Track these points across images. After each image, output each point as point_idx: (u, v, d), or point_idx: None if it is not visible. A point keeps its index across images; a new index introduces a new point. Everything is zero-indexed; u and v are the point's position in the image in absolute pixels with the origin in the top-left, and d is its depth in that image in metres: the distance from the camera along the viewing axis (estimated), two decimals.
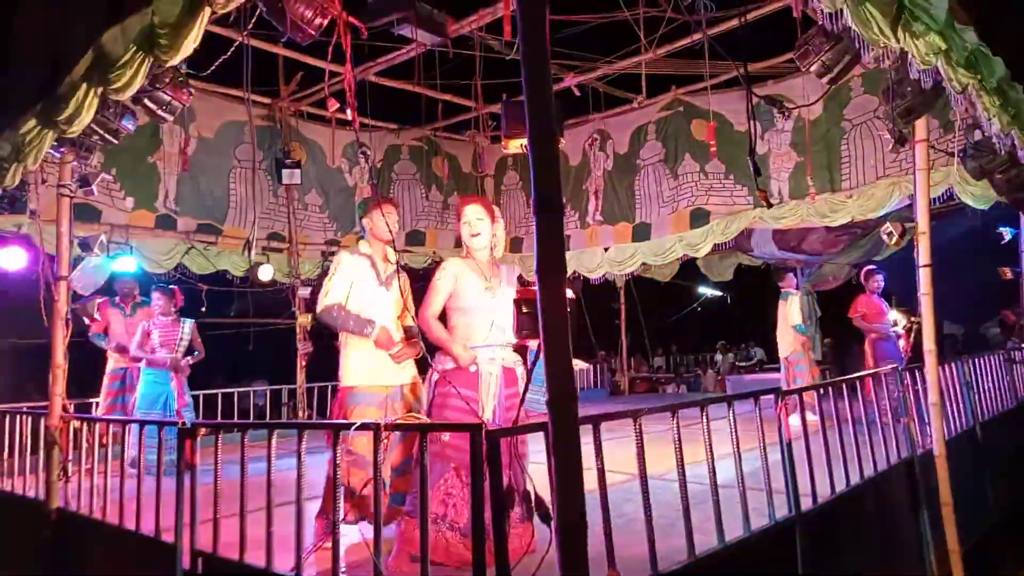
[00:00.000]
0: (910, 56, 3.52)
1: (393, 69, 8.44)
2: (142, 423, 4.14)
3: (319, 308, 3.68)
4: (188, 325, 6.41)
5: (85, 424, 4.38)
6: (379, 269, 3.76)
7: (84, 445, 4.25)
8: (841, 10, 3.31)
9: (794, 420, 4.01)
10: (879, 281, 7.74)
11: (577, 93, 9.42)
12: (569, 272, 10.55)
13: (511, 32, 5.15)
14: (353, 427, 2.66)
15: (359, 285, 3.68)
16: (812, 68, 3.81)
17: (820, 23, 3.58)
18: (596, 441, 2.64)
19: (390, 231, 3.62)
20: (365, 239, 3.83)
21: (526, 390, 2.85)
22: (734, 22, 7.03)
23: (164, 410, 6.17)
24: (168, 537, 3.35)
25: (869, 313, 7.57)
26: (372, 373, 3.61)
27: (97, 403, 6.77)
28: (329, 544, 2.60)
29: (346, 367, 3.66)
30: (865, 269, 7.93)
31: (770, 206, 6.71)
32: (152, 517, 3.48)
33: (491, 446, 2.32)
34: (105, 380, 6.64)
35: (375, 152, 10.07)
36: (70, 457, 4.35)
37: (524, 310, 2.48)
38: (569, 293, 2.35)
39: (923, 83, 3.64)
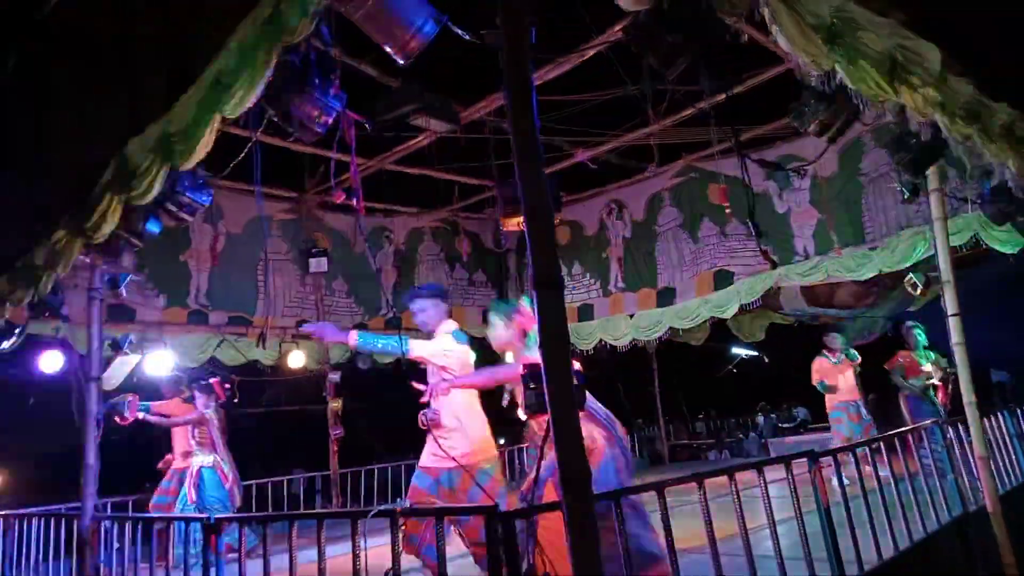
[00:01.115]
0: (908, 109, 3.55)
1: (411, 156, 8.73)
2: (170, 519, 4.14)
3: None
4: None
5: (116, 524, 4.39)
6: None
7: (115, 545, 4.25)
8: (834, 70, 3.38)
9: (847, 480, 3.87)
10: (917, 336, 7.51)
11: (591, 166, 9.61)
12: (595, 341, 10.60)
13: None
14: (371, 513, 2.63)
15: None
16: (810, 128, 3.85)
17: (811, 84, 3.63)
18: (617, 518, 2.57)
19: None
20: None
21: (538, 469, 2.80)
22: (736, 89, 7.17)
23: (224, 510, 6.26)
24: None
25: (910, 369, 7.33)
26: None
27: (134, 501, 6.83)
28: None
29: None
30: (906, 325, 7.71)
31: (774, 265, 6.69)
32: None
33: (507, 529, 2.27)
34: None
35: (399, 236, 10.31)
36: (101, 559, 4.35)
37: (531, 385, 2.47)
38: (576, 365, 2.35)
39: (923, 135, 3.65)
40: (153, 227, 4.20)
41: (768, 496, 3.17)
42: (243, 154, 3.98)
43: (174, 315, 8.06)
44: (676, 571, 2.64)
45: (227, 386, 6.73)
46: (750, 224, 4.36)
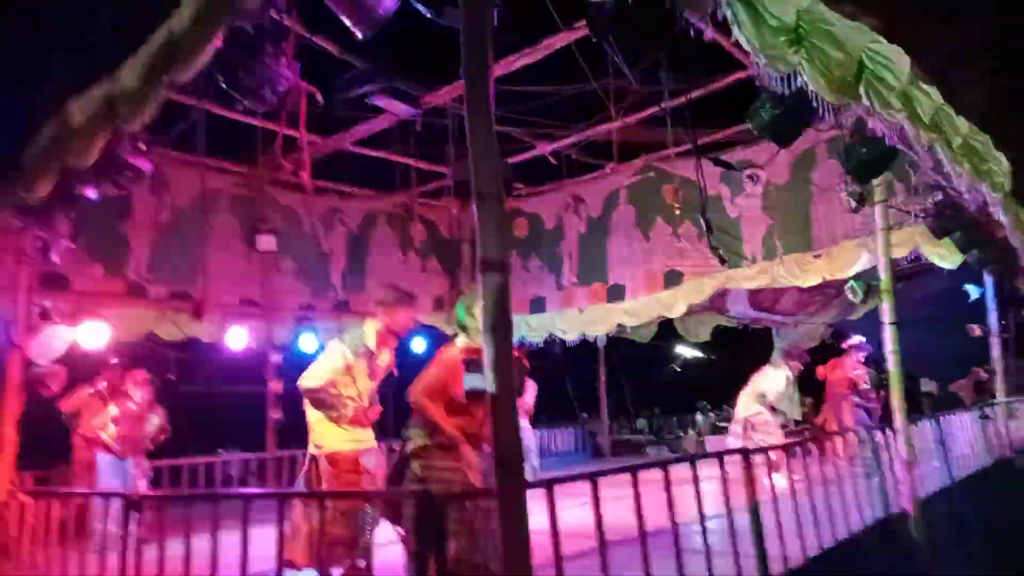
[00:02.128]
0: (874, 113, 3.62)
1: (371, 138, 8.59)
2: (88, 495, 3.99)
3: (304, 386, 4.08)
4: (157, 419, 6.36)
5: (34, 499, 4.21)
6: (374, 363, 4.21)
7: (31, 521, 4.07)
8: (794, 73, 3.41)
9: (779, 479, 3.96)
10: (863, 354, 7.72)
11: (553, 161, 9.62)
12: (545, 334, 10.64)
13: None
14: (295, 496, 2.57)
15: (356, 377, 4.12)
16: (763, 131, 3.91)
17: (769, 88, 3.69)
18: (550, 504, 2.57)
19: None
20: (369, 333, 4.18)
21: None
22: (697, 92, 7.25)
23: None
24: None
25: (853, 379, 7.52)
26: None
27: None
28: None
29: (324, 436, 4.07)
30: (856, 339, 7.91)
31: (723, 262, 6.81)
32: None
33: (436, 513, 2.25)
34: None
35: (352, 219, 10.14)
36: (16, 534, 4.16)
37: (474, 370, 2.46)
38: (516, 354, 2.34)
39: (888, 140, 3.73)
40: (92, 193, 4.03)
41: (699, 491, 3.22)
42: (191, 122, 3.83)
43: (112, 286, 7.76)
44: (605, 562, 2.66)
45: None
46: (701, 221, 4.40)
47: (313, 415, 4.08)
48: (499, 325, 2.29)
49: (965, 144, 3.66)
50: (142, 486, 6.10)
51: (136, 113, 3.30)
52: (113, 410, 6.17)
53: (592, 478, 2.76)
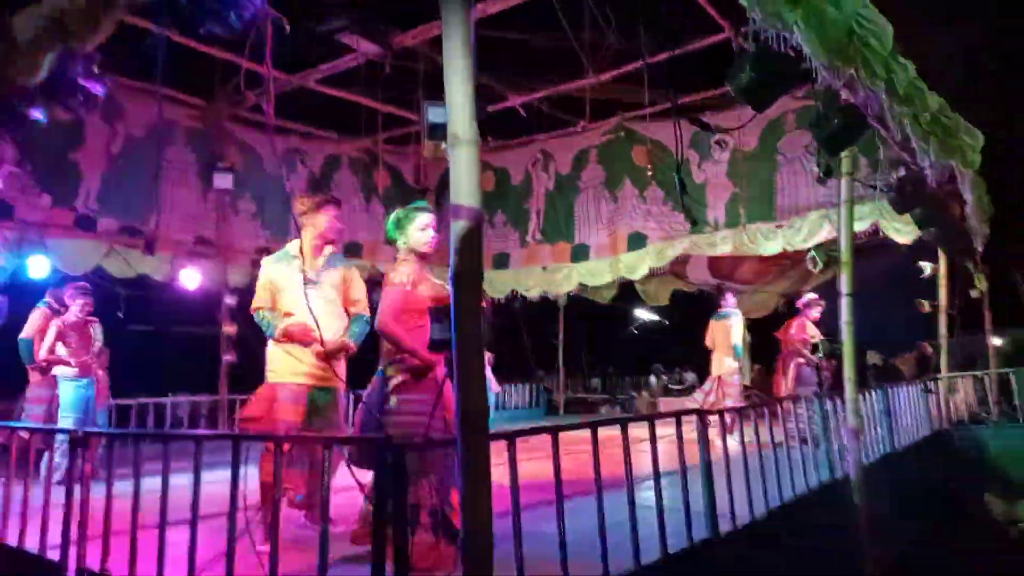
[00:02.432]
0: (857, 80, 3.60)
1: (336, 78, 8.30)
2: (31, 430, 3.86)
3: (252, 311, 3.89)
4: (98, 327, 6.15)
5: None
6: (308, 268, 3.87)
7: None
8: (791, 33, 3.34)
9: (731, 442, 4.03)
10: (818, 311, 7.79)
11: (522, 113, 9.45)
12: (508, 291, 10.64)
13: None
14: (253, 439, 2.51)
15: (283, 286, 3.83)
16: (741, 94, 3.87)
17: (749, 51, 3.64)
18: (511, 456, 2.57)
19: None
20: (297, 240, 3.96)
21: (436, 404, 2.75)
22: (677, 51, 7.17)
23: (84, 416, 5.89)
24: (54, 555, 3.11)
25: (808, 339, 7.62)
26: (288, 368, 3.75)
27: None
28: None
29: (268, 362, 3.85)
30: (809, 297, 7.98)
31: (694, 223, 6.85)
32: (37, 533, 3.22)
33: (400, 461, 2.21)
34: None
35: (314, 160, 9.87)
36: None
37: (439, 321, 2.41)
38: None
39: (864, 109, 3.73)
40: (38, 114, 3.79)
41: (656, 450, 3.26)
42: (148, 47, 3.62)
43: (59, 217, 7.44)
44: (561, 513, 2.68)
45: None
46: (676, 181, 4.38)
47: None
48: (469, 274, 2.24)
49: (935, 120, 3.68)
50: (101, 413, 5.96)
51: (88, 33, 3.09)
52: (56, 323, 5.95)
53: (553, 432, 2.76)
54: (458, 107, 2.30)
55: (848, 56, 3.11)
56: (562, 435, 2.78)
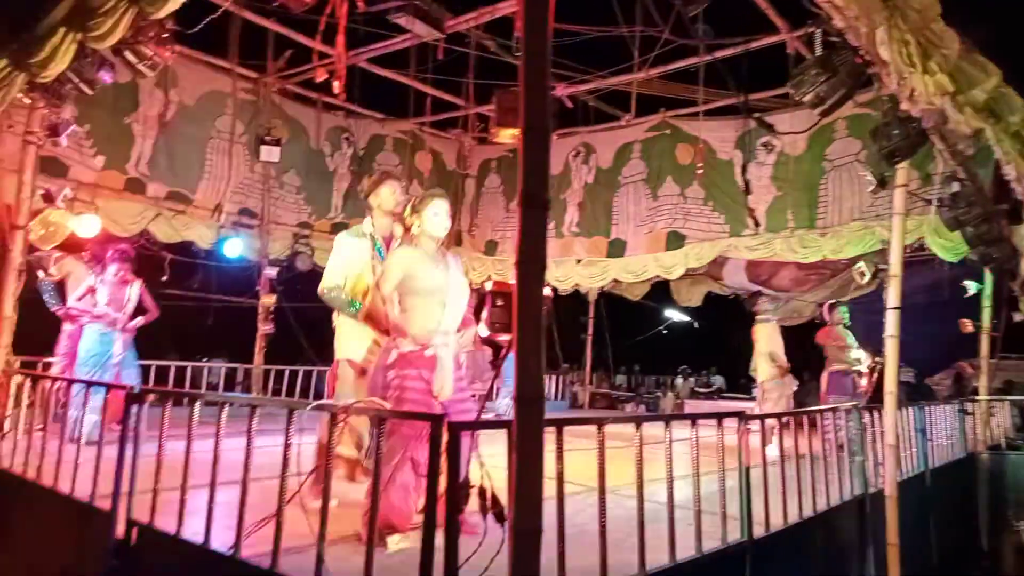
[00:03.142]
0: (915, 95, 3.53)
1: (385, 58, 8.35)
2: (88, 383, 3.97)
3: (320, 290, 3.85)
4: (136, 287, 6.22)
5: (28, 380, 4.19)
6: (380, 247, 3.88)
7: (26, 402, 4.06)
8: (872, 34, 3.26)
9: (771, 451, 4.01)
10: (841, 315, 7.71)
11: (568, 104, 9.42)
12: None
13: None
14: (309, 407, 2.57)
15: (357, 266, 3.83)
16: (806, 98, 3.83)
17: (817, 56, 3.59)
18: (559, 444, 2.58)
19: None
20: (370, 219, 3.94)
21: (492, 385, 2.78)
22: (729, 51, 7.09)
23: (102, 370, 5.98)
24: (104, 504, 3.21)
25: (839, 344, 7.53)
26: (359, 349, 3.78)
27: (46, 363, 6.52)
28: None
29: (338, 342, 3.86)
30: (829, 303, 7.91)
31: (757, 224, 6.79)
32: (89, 482, 3.33)
33: (452, 438, 2.25)
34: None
35: (359, 139, 9.95)
36: (7, 414, 4.16)
37: (498, 303, 2.42)
38: (546, 291, 2.31)
39: (924, 123, 3.66)
40: (107, 76, 3.88)
41: (698, 448, 3.25)
42: (218, 13, 3.67)
43: (110, 179, 7.61)
44: (603, 504, 2.70)
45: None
46: (740, 181, 4.34)
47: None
48: (533, 261, 2.24)
49: (1016, 133, 3.58)
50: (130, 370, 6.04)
51: (164, 1, 3.15)
52: (91, 279, 6.03)
53: (599, 423, 2.78)
54: (533, 94, 2.30)
55: (922, 66, 3.05)
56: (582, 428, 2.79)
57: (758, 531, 3.58)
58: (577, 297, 11.94)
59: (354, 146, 9.80)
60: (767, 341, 7.80)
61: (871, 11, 2.97)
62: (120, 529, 3.11)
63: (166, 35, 3.81)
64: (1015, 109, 3.11)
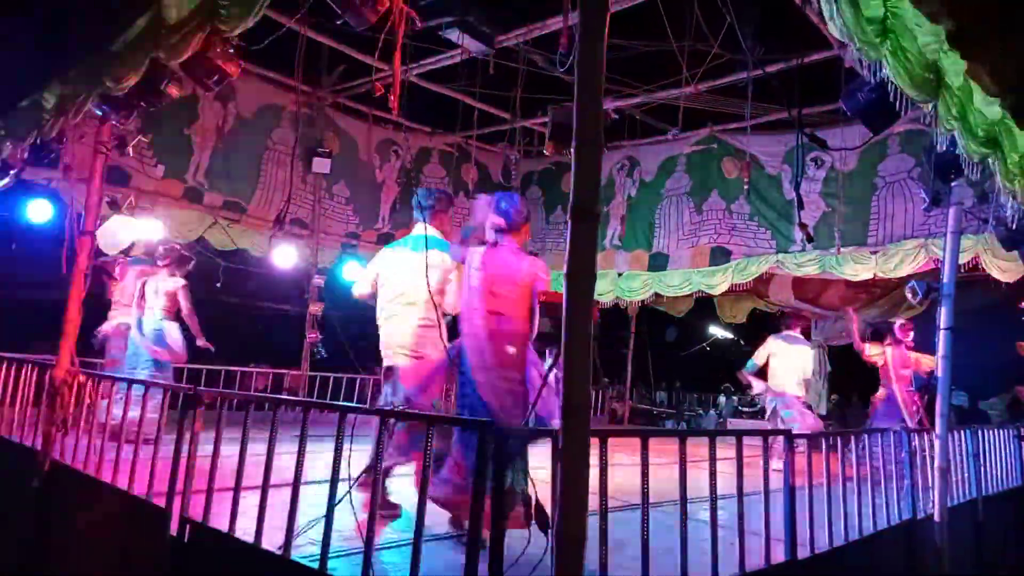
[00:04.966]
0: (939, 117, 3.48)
1: (432, 73, 8.50)
2: (147, 384, 4.14)
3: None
4: (183, 291, 6.37)
5: (90, 380, 4.38)
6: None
7: (87, 401, 4.24)
8: (881, 62, 3.28)
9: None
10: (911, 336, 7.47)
11: (614, 117, 9.43)
12: None
13: (568, 44, 5.19)
14: (361, 410, 2.64)
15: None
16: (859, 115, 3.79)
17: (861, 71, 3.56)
18: (602, 454, 2.61)
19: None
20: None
21: (539, 395, 2.82)
22: (779, 65, 7.03)
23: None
24: (159, 501, 3.33)
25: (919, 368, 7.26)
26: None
27: (100, 363, 6.76)
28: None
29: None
30: (901, 323, 7.66)
31: (811, 239, 6.70)
32: (146, 480, 3.46)
33: (500, 444, 2.29)
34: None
35: (406, 152, 10.13)
36: (71, 412, 4.35)
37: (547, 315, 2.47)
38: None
39: (943, 147, 3.61)
40: (176, 91, 4.06)
41: (742, 466, 3.23)
42: (283, 31, 3.81)
43: (170, 188, 7.90)
44: (646, 516, 2.70)
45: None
46: (794, 196, 4.31)
47: None
48: (583, 272, 2.29)
49: (1019, 164, 3.50)
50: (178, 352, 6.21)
51: (238, 19, 3.29)
52: (143, 278, 6.19)
53: (643, 435, 2.79)
54: (586, 110, 2.35)
55: (938, 91, 3.04)
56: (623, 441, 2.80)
57: (802, 552, 3.54)
58: (618, 311, 11.89)
59: (402, 158, 9.98)
60: (807, 362, 7.72)
61: (867, 46, 2.98)
62: (175, 526, 3.23)
63: (232, 51, 3.97)
64: (1017, 141, 3.06)
